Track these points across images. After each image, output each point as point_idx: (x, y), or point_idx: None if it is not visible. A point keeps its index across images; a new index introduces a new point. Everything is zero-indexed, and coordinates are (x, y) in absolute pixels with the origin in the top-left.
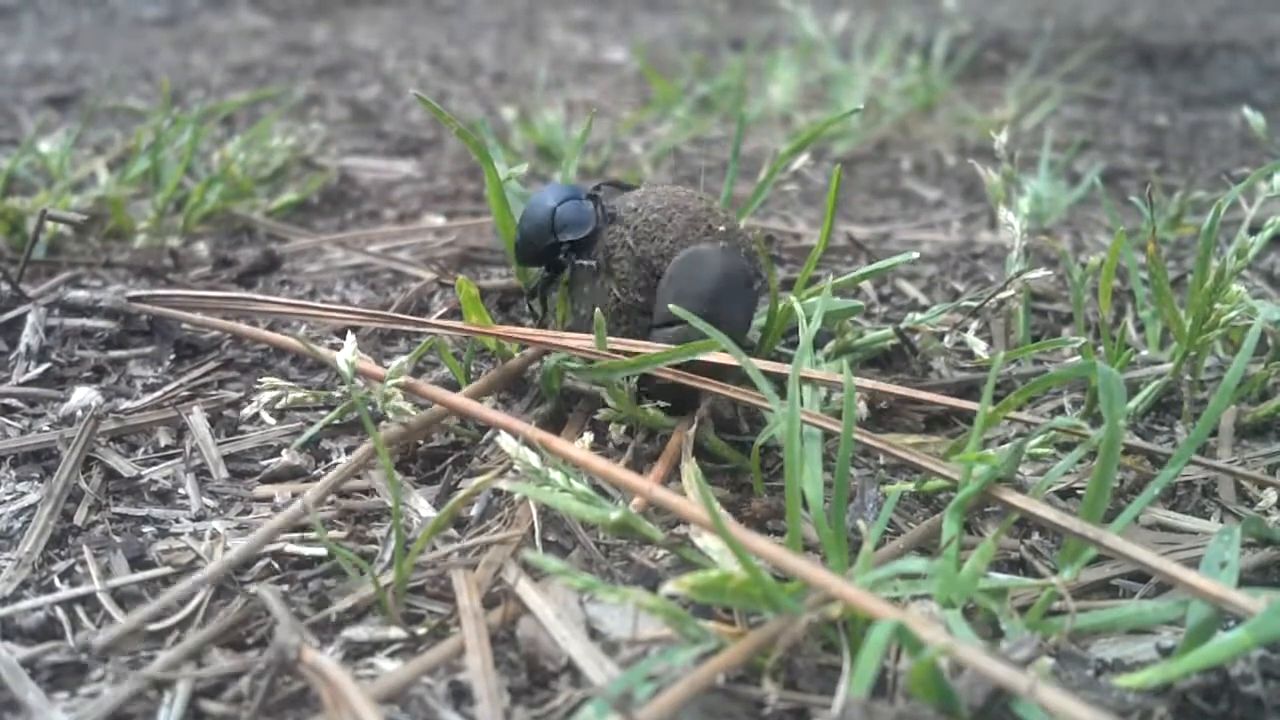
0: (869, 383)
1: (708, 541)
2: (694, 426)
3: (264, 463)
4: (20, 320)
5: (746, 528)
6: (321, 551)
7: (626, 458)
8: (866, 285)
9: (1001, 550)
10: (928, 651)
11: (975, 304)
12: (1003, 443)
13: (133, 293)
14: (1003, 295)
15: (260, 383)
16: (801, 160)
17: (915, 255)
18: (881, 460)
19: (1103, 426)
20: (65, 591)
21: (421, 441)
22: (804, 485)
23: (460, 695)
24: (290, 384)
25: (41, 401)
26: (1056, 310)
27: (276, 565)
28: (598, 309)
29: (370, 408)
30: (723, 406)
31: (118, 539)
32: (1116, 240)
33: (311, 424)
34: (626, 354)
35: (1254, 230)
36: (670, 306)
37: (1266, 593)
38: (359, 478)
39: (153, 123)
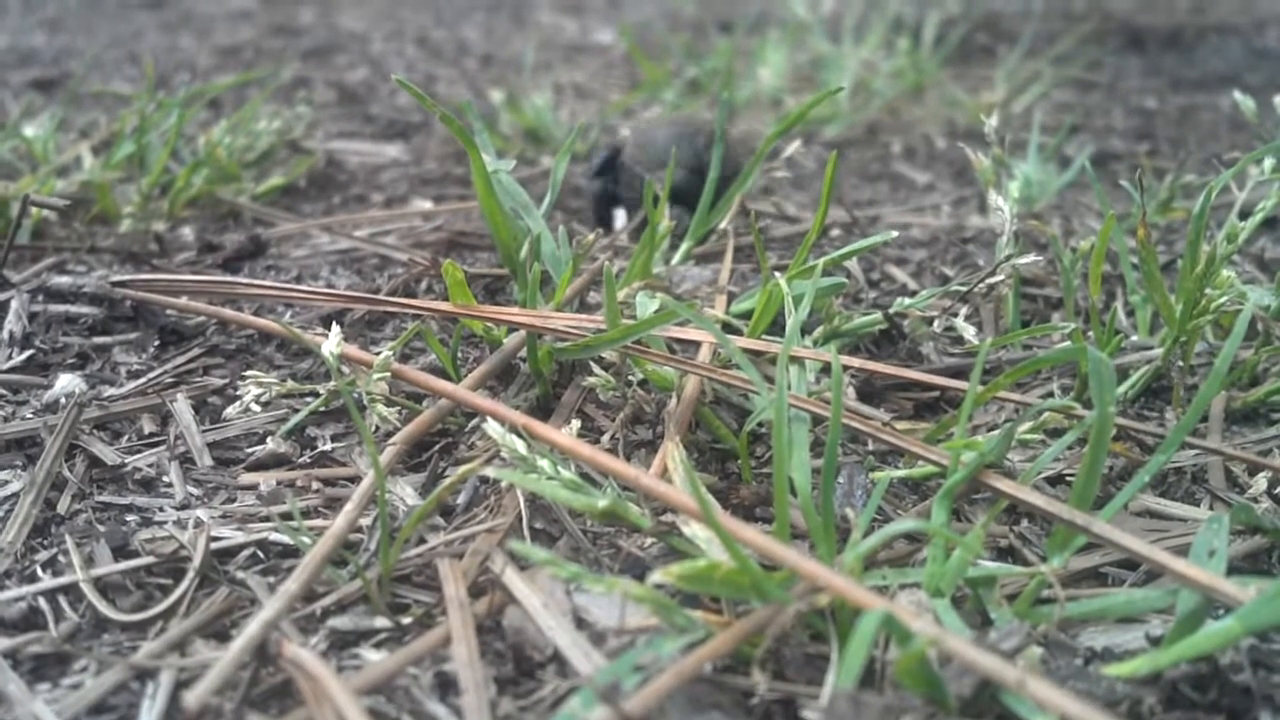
0: (856, 362)
1: (695, 530)
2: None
3: (249, 450)
4: (3, 306)
5: (734, 515)
6: (306, 540)
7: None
8: (856, 270)
9: (990, 537)
10: (916, 642)
11: (965, 289)
12: (992, 429)
13: (117, 277)
14: (992, 280)
15: (245, 377)
16: (793, 147)
17: (894, 234)
18: (870, 447)
19: (1093, 412)
20: (48, 581)
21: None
22: (792, 472)
23: (446, 685)
24: (274, 380)
25: (25, 389)
26: (1046, 295)
27: (261, 554)
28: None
29: (355, 395)
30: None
31: (101, 528)
32: (1106, 224)
33: (297, 410)
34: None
35: (1244, 215)
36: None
37: (1256, 581)
38: (344, 464)
39: (138, 106)
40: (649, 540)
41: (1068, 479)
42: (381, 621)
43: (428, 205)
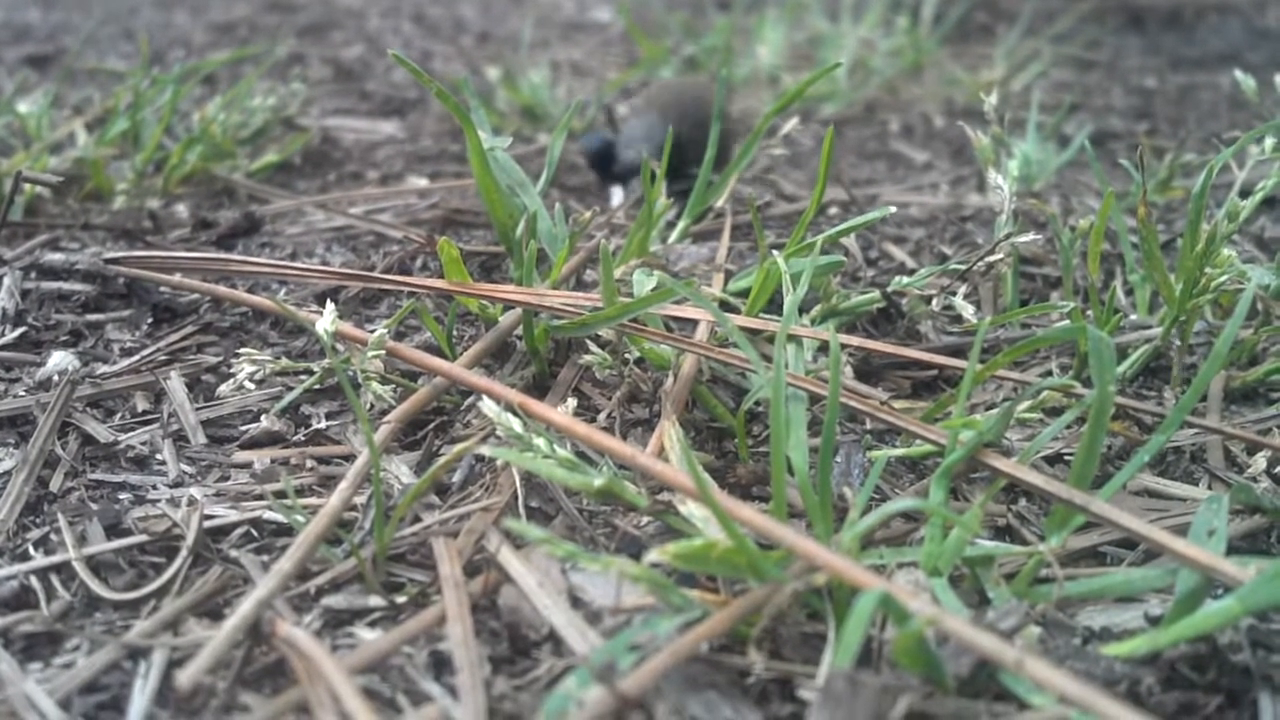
0: (854, 340)
1: (692, 508)
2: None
3: (243, 428)
4: None
5: (731, 494)
6: (300, 518)
7: (612, 406)
8: (854, 248)
9: (988, 516)
10: (913, 621)
11: (963, 267)
12: (990, 408)
13: (110, 254)
14: (991, 258)
15: (238, 354)
16: (791, 124)
17: (892, 209)
18: (868, 425)
19: (1092, 391)
20: (40, 560)
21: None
22: (790, 451)
23: (441, 665)
24: (268, 358)
25: (17, 366)
26: (1045, 274)
27: (255, 533)
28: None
29: (350, 373)
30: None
31: (94, 506)
32: (1106, 203)
33: (291, 388)
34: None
35: (1244, 193)
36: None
37: (1255, 561)
38: (338, 442)
39: (132, 82)
40: (645, 519)
41: (1066, 458)
42: (376, 600)
43: (423, 182)
